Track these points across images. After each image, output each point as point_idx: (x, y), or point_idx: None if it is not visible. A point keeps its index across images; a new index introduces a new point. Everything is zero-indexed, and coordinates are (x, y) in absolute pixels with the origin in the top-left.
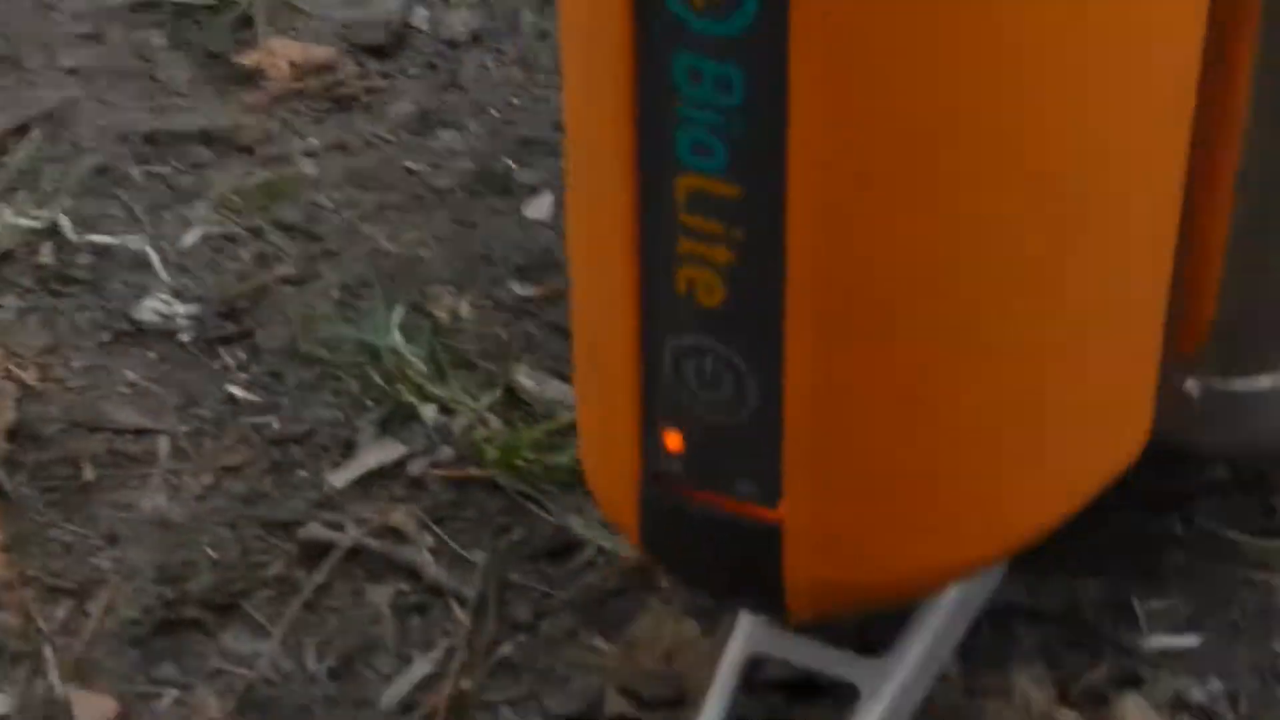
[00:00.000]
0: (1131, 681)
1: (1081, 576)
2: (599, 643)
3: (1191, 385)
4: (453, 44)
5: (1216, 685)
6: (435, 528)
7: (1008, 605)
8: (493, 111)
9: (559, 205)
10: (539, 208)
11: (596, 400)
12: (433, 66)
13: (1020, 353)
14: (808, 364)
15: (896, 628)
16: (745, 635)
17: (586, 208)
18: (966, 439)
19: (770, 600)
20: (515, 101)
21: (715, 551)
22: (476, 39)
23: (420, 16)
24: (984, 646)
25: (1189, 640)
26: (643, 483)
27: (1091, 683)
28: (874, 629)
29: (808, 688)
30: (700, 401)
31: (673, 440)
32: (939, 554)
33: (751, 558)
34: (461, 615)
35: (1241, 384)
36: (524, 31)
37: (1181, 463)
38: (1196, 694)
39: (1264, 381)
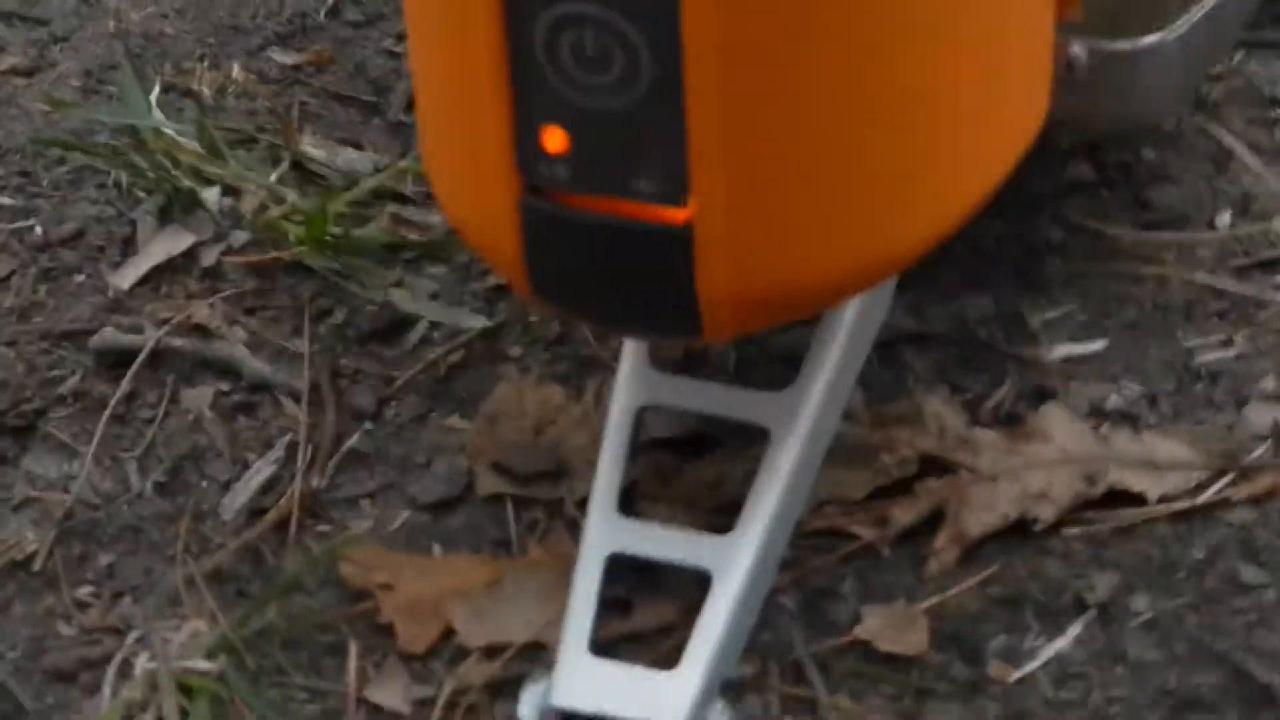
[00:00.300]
0: (1042, 395)
1: (963, 295)
2: (456, 422)
3: (1078, 50)
4: None
5: (1132, 388)
6: (244, 319)
7: (894, 332)
8: None
9: None
10: None
11: (451, 112)
12: None
13: (933, 18)
14: (710, 18)
15: (783, 369)
16: (628, 385)
17: None
18: (884, 109)
19: (682, 319)
20: None
21: (614, 270)
22: None
23: None
24: (880, 379)
25: (1093, 345)
26: (521, 200)
27: (1001, 401)
28: (756, 373)
29: (696, 440)
30: (583, 86)
31: (554, 139)
32: (862, 245)
33: (658, 270)
34: (295, 410)
35: (1127, 44)
36: None
37: (1041, 161)
38: (1113, 399)
39: (1150, 39)
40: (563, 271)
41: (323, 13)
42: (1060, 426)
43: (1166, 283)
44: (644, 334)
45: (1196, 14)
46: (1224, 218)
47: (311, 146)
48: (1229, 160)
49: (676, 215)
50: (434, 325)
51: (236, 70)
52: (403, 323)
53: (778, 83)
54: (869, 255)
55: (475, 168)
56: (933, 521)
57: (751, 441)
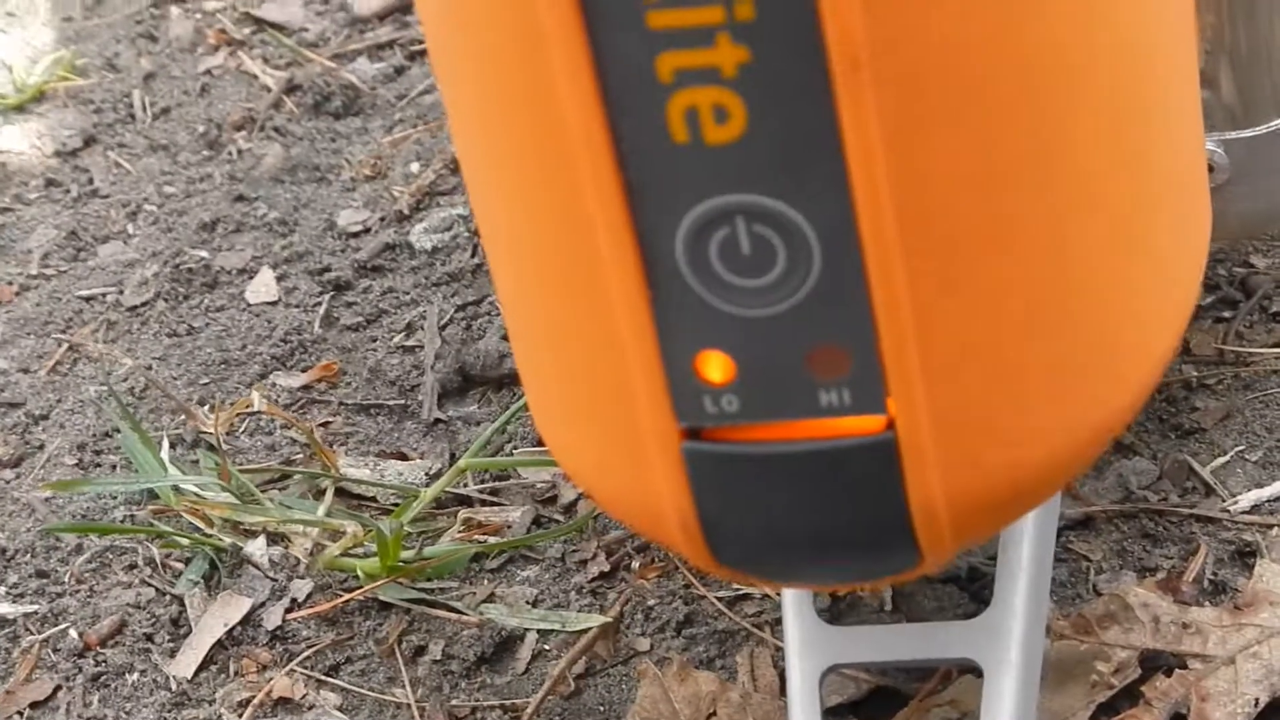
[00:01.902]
0: (1243, 553)
1: (1117, 462)
2: None
3: (1213, 147)
4: (65, 153)
5: None
6: (332, 679)
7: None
8: (150, 207)
9: (283, 279)
10: (261, 289)
11: (570, 360)
12: (54, 183)
13: (1140, 127)
14: (884, 182)
15: (941, 590)
16: (804, 649)
17: (503, 71)
18: (1097, 249)
19: (895, 546)
20: (170, 189)
21: (808, 508)
22: (91, 140)
23: (9, 136)
24: (1055, 578)
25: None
26: (685, 449)
27: (1200, 571)
28: (916, 603)
29: (875, 697)
30: (741, 294)
31: (715, 367)
32: (1084, 412)
33: (861, 493)
34: None
35: (1265, 126)
36: (140, 115)
37: None
38: None
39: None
40: (748, 524)
41: (316, 324)
42: None
43: None
44: (850, 579)
45: None
46: None
47: (350, 467)
48: None
49: (875, 424)
50: (544, 635)
51: (254, 401)
52: (509, 641)
53: (978, 236)
54: (1091, 421)
55: (615, 423)
56: None
57: (937, 683)
